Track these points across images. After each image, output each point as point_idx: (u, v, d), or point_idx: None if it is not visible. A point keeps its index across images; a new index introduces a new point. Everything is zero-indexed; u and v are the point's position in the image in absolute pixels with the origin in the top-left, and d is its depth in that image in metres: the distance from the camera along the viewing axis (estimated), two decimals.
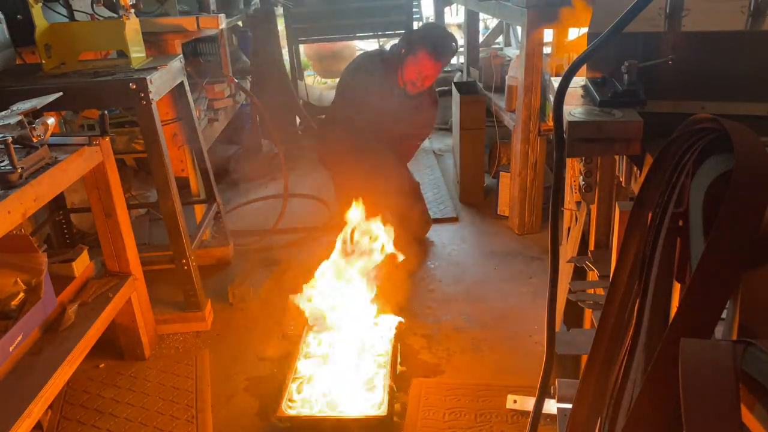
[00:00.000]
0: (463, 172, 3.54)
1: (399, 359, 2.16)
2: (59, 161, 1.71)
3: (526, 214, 3.09)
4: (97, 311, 1.93)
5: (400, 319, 2.31)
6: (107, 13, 2.43)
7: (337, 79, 3.38)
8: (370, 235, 2.46)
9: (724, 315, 0.69)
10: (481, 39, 4.49)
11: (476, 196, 3.56)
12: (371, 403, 1.92)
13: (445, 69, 5.11)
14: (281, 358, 2.23)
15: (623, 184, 1.26)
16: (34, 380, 1.61)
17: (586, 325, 1.85)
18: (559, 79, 1.03)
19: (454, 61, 5.77)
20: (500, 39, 5.12)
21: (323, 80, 6.70)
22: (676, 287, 0.83)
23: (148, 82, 2.05)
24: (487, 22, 6.19)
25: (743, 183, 0.65)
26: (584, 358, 1.29)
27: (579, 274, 1.84)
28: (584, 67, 1.12)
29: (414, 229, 3.05)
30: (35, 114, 1.72)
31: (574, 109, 1.08)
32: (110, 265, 2.13)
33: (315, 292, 2.35)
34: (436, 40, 2.93)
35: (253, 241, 3.15)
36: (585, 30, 1.30)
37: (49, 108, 1.84)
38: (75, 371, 1.78)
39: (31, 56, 2.34)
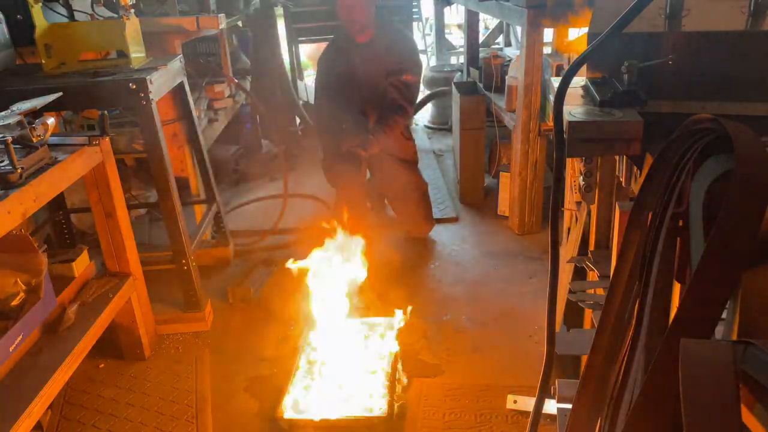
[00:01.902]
0: (463, 172, 3.54)
1: (399, 359, 2.15)
2: (59, 161, 1.71)
3: (526, 214, 3.09)
4: (97, 311, 1.93)
5: (400, 319, 2.31)
6: (107, 13, 2.43)
7: None
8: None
9: (724, 315, 0.69)
10: (481, 39, 4.49)
11: (476, 196, 3.56)
12: (371, 403, 1.92)
13: (445, 68, 5.13)
14: (281, 358, 2.23)
15: (623, 184, 1.26)
16: (34, 380, 1.61)
17: (586, 325, 1.85)
18: (559, 79, 1.03)
19: (453, 60, 5.78)
20: (500, 39, 5.12)
21: None
22: (676, 287, 0.83)
23: (148, 82, 2.05)
24: (487, 22, 6.19)
25: (744, 183, 0.65)
26: (584, 358, 1.29)
27: (579, 274, 1.84)
28: (584, 67, 1.12)
29: (417, 227, 3.13)
30: (35, 114, 1.72)
31: (574, 109, 1.08)
32: (110, 265, 2.13)
33: (315, 291, 2.35)
34: None
35: (253, 241, 3.15)
36: (585, 30, 1.30)
37: (49, 108, 1.84)
38: (75, 371, 1.78)
39: (31, 56, 2.34)
